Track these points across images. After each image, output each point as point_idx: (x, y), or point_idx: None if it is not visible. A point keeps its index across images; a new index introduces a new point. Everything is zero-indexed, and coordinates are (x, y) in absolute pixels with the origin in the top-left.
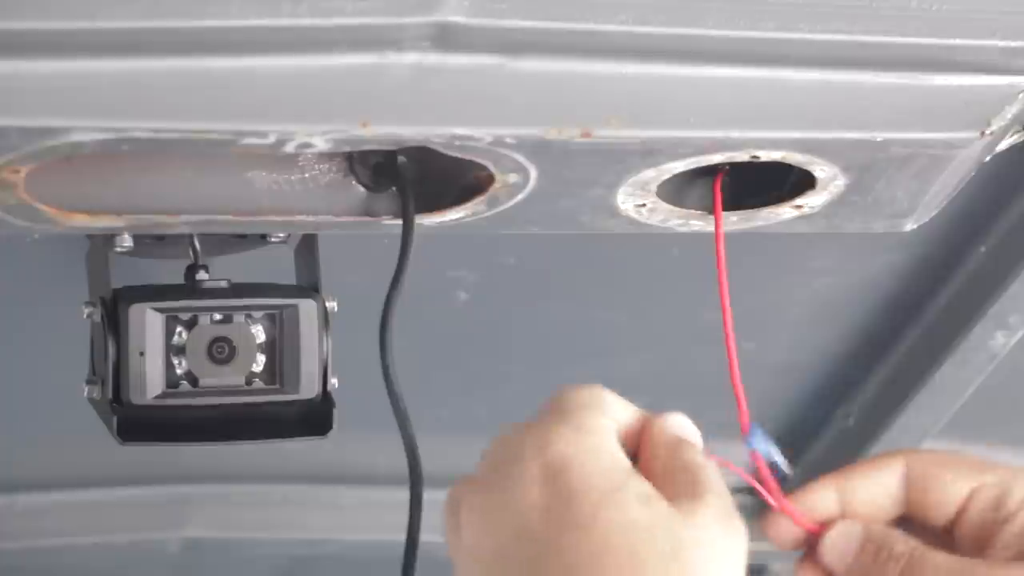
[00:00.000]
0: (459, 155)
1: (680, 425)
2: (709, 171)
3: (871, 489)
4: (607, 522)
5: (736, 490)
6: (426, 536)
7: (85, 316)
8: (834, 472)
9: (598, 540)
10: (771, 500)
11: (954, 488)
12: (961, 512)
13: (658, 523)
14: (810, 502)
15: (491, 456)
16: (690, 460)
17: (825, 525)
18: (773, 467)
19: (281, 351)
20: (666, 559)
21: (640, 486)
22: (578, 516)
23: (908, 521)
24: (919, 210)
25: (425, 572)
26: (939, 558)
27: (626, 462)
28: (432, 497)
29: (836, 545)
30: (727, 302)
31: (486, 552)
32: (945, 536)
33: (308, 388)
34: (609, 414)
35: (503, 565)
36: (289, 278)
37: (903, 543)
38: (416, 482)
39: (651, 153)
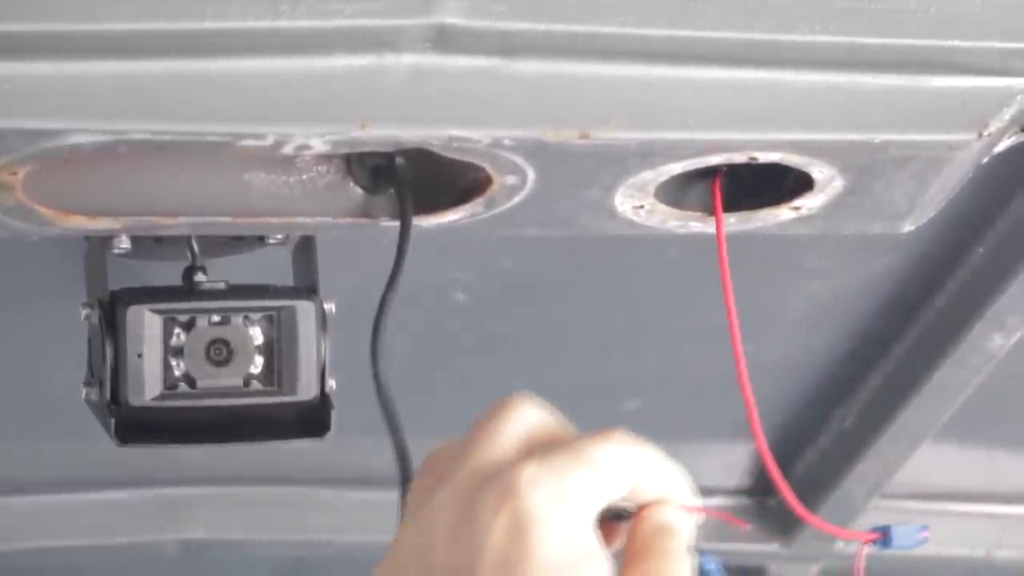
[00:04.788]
0: (457, 157)
1: (670, 515)
2: (707, 173)
3: None
4: None
5: (735, 491)
6: None
7: (83, 317)
8: None
9: None
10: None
11: None
12: None
13: None
14: None
15: (477, 451)
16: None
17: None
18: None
19: (279, 352)
20: None
21: None
22: None
23: None
24: (917, 211)
25: None
26: None
27: (595, 550)
28: None
29: None
30: (732, 303)
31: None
32: None
33: (306, 389)
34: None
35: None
36: (287, 280)
37: None
38: (406, 483)
39: (649, 154)
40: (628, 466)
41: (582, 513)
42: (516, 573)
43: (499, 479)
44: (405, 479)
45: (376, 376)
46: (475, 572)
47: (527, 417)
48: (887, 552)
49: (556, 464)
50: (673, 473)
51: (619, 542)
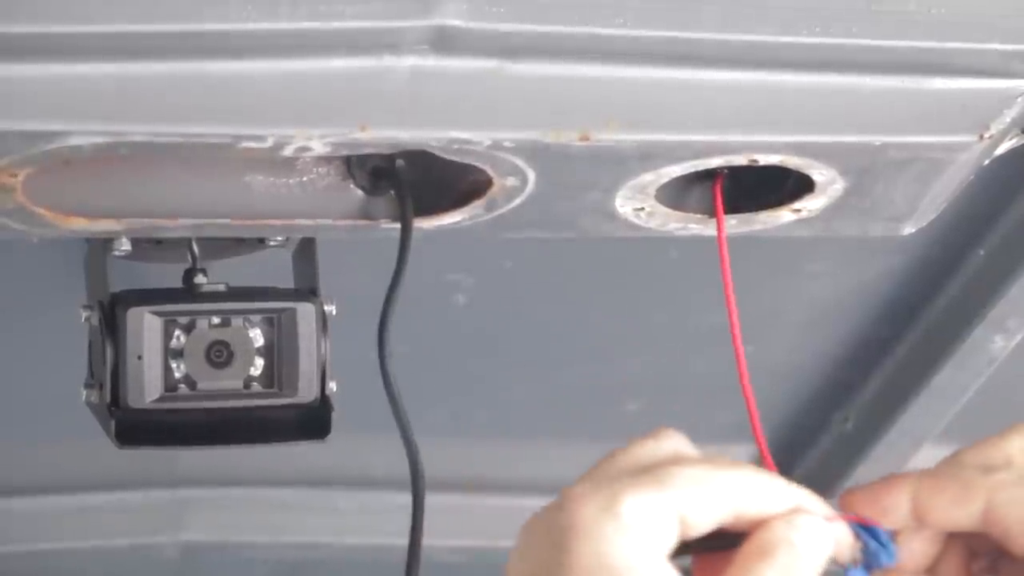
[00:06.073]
0: (457, 159)
1: (776, 532)
2: (708, 175)
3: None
4: None
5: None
6: (425, 540)
7: (83, 320)
8: (909, 473)
9: None
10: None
11: None
12: None
13: None
14: (882, 504)
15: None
16: None
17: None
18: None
19: (279, 355)
20: None
21: None
22: None
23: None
24: (918, 213)
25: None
26: None
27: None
28: (430, 501)
29: None
30: (733, 305)
31: None
32: None
33: (306, 391)
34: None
35: None
36: (287, 282)
37: None
38: (418, 484)
39: (649, 157)
40: (710, 487)
41: (640, 532)
42: None
43: (560, 497)
44: (416, 474)
45: (385, 375)
46: None
47: (653, 450)
48: None
49: (612, 482)
50: (788, 490)
51: None
